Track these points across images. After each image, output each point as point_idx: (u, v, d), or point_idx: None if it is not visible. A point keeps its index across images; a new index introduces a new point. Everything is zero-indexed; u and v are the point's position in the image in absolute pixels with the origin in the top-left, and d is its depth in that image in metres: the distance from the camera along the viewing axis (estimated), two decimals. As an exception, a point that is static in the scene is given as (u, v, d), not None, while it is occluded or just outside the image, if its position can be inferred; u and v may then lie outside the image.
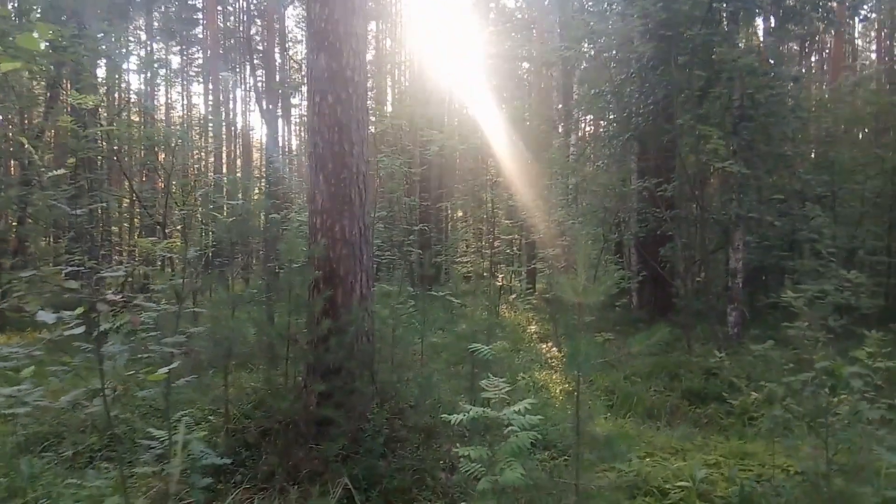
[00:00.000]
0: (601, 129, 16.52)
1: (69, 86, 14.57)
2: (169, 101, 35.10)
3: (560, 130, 21.93)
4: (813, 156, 14.86)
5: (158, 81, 31.16)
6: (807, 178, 11.78)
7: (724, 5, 11.36)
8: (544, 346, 11.99)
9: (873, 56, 31.91)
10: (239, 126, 34.14)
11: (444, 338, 8.90)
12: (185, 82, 35.77)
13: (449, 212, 27.60)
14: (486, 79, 30.55)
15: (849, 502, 4.16)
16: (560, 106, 22.94)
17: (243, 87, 37.20)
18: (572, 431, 3.38)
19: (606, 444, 3.24)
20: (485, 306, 6.12)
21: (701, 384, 9.63)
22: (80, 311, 3.18)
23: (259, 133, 35.32)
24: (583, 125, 26.40)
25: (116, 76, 21.36)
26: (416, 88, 26.51)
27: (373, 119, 33.58)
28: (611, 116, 12.72)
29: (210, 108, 31.44)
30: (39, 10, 14.71)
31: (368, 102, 31.40)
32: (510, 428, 2.51)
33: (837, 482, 4.32)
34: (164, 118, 33.08)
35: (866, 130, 17.90)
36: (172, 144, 10.03)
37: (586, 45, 13.78)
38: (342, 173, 5.40)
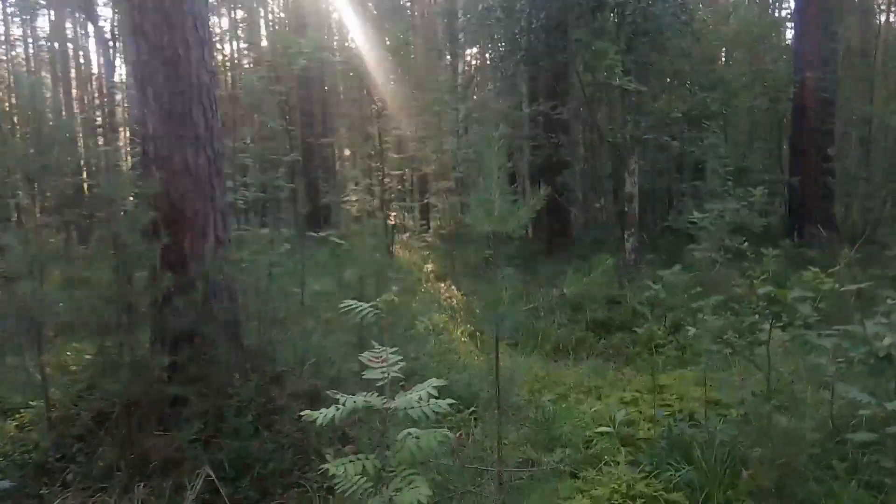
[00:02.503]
0: (489, 53, 15.62)
1: None
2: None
3: (447, 59, 20.89)
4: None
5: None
6: (703, 95, 11.45)
7: None
8: (442, 285, 11.28)
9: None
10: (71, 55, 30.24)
11: (330, 286, 7.96)
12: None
13: (336, 151, 26.13)
14: (365, 7, 28.75)
15: (792, 443, 3.68)
16: (444, 36, 21.84)
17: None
18: (491, 404, 2.59)
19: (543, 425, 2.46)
20: (373, 247, 5.21)
21: (605, 314, 9.24)
22: None
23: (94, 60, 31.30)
24: (469, 56, 25.47)
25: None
26: (291, 18, 24.50)
27: (246, 52, 31.09)
28: (500, 33, 11.82)
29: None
30: None
31: (238, 35, 28.80)
32: (406, 431, 1.64)
33: (780, 420, 3.84)
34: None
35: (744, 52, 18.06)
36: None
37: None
38: (177, 86, 4.23)
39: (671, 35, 10.54)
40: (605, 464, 4.20)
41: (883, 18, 21.60)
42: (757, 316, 4.06)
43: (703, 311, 7.71)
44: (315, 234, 5.88)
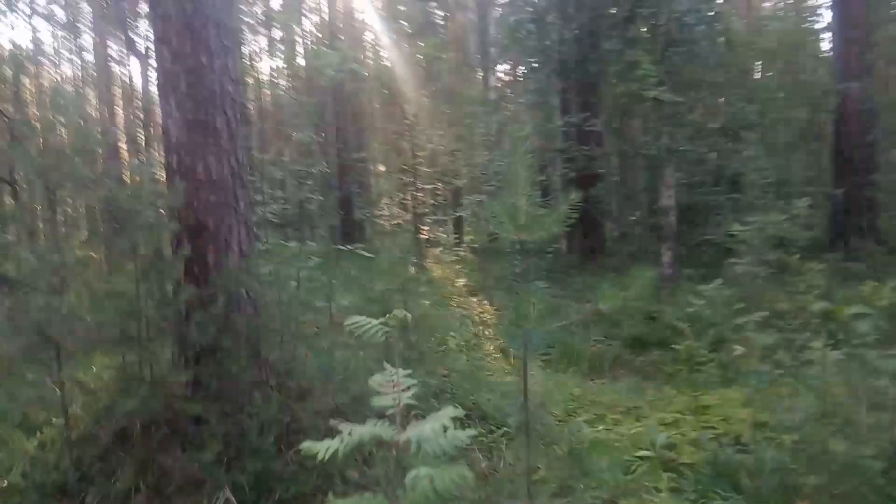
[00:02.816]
0: (521, 67, 15.47)
1: None
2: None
3: (479, 73, 20.82)
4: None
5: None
6: (740, 105, 11.11)
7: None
8: (474, 300, 11.08)
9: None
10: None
11: (358, 300, 7.83)
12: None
13: (371, 166, 26.20)
14: (398, 24, 28.89)
15: (852, 471, 3.39)
16: (476, 51, 21.79)
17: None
18: (520, 430, 2.40)
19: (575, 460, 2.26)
20: (400, 260, 5.05)
21: (642, 330, 8.92)
22: None
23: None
24: (501, 72, 25.42)
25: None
26: (326, 35, 24.70)
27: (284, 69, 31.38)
28: (531, 46, 11.65)
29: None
30: None
31: (278, 56, 29.03)
32: (418, 470, 1.45)
33: (838, 446, 3.55)
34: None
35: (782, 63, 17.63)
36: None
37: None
38: (200, 95, 4.14)
39: (706, 45, 10.26)
40: (645, 492, 3.94)
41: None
42: (808, 333, 3.77)
43: (746, 327, 7.43)
44: (343, 248, 5.73)
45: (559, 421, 5.46)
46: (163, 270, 3.81)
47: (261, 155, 10.13)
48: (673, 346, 8.16)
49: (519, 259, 2.79)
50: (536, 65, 12.53)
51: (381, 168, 23.88)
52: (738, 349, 4.75)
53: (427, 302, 10.86)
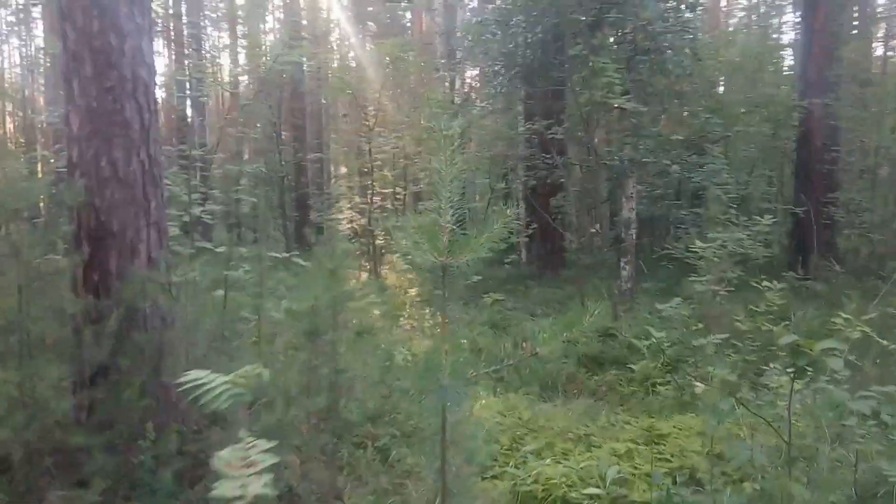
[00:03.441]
0: (485, 69, 15.12)
1: None
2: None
3: (445, 77, 20.42)
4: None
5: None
6: (707, 116, 10.92)
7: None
8: (427, 311, 10.64)
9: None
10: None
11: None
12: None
13: (332, 167, 25.60)
14: (364, 25, 28.44)
15: (817, 521, 3.07)
16: (443, 54, 21.42)
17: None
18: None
19: None
20: (338, 269, 4.60)
21: (597, 348, 8.61)
22: None
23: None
24: (468, 77, 25.09)
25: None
26: (291, 32, 24.08)
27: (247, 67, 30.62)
28: (495, 48, 11.31)
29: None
30: None
31: (239, 54, 28.23)
32: None
33: (801, 491, 3.22)
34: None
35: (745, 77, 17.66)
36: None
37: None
38: (107, 80, 3.65)
39: (672, 55, 10.03)
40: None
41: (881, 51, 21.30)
42: (772, 365, 3.45)
43: (704, 350, 7.14)
44: (278, 256, 5.26)
45: (506, 450, 5.08)
46: (49, 278, 3.30)
47: (202, 152, 9.58)
48: (629, 365, 7.88)
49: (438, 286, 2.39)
50: (500, 69, 12.19)
51: (342, 170, 23.33)
52: (698, 385, 4.41)
53: (377, 312, 10.46)
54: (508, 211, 2.67)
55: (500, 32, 11.07)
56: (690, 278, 8.41)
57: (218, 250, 5.41)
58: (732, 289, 8.88)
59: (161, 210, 3.94)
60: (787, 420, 3.37)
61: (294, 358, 4.06)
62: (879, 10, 20.44)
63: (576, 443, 5.40)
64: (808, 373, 3.29)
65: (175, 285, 3.83)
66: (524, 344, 2.27)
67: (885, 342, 3.39)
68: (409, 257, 1.98)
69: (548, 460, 4.80)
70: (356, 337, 4.86)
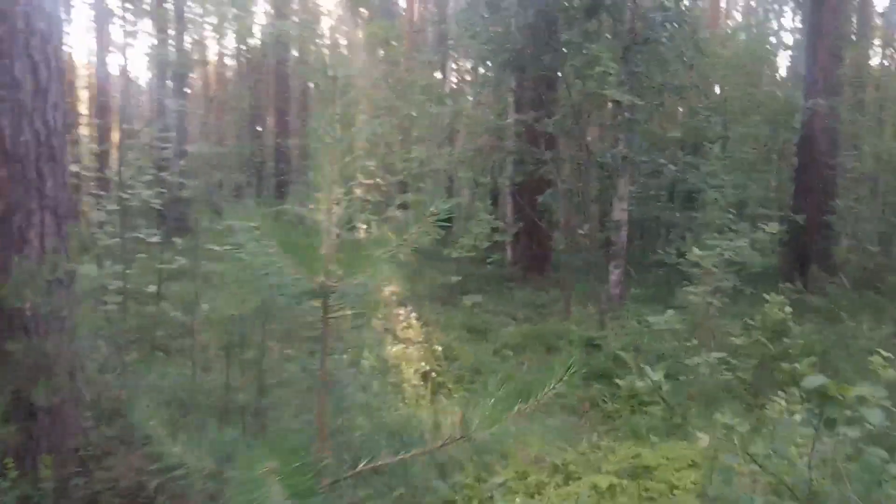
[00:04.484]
0: (476, 59, 14.41)
1: None
2: None
3: (435, 65, 19.72)
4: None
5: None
6: (705, 114, 10.27)
7: None
8: (402, 311, 9.93)
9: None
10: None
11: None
12: None
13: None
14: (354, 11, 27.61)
15: None
16: (435, 43, 20.70)
17: None
18: None
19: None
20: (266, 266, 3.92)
21: (581, 358, 7.96)
22: None
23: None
24: (460, 67, 24.41)
25: None
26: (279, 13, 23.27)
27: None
28: (485, 34, 10.58)
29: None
30: None
31: (226, 35, 27.61)
32: None
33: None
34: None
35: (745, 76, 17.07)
36: None
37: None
38: (-9, 27, 2.93)
39: (671, 46, 9.36)
40: None
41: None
42: (798, 417, 2.79)
43: (698, 369, 6.50)
44: (212, 246, 4.54)
45: (469, 483, 4.41)
46: None
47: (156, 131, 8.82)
48: (615, 379, 7.22)
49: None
50: (489, 55, 11.46)
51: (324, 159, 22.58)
52: (701, 437, 3.77)
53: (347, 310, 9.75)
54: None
55: (489, 15, 10.35)
56: (683, 287, 7.76)
57: (151, 241, 4.70)
58: (727, 300, 8.27)
59: (60, 191, 3.23)
60: (807, 480, 2.71)
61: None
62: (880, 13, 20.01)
63: (552, 474, 4.74)
64: (836, 423, 2.63)
65: (69, 280, 3.12)
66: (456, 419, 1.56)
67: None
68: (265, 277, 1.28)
69: (518, 498, 4.13)
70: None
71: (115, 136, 30.72)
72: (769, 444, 3.06)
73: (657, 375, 2.91)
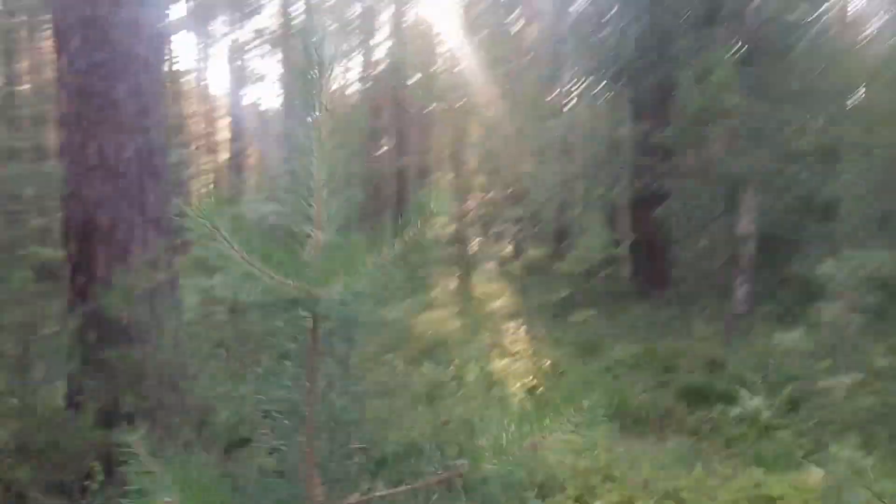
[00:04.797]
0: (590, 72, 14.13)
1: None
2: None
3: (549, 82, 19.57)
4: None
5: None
6: (842, 119, 9.43)
7: None
8: (511, 325, 9.81)
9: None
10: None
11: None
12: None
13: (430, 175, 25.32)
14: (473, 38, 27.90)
15: None
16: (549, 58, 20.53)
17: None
18: None
19: None
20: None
21: (703, 378, 7.46)
22: None
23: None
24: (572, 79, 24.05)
25: None
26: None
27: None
28: (600, 46, 10.33)
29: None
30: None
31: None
32: None
33: None
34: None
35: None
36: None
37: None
38: (99, 54, 3.16)
39: (797, 53, 8.70)
40: None
41: None
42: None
43: (832, 392, 5.94)
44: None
45: (570, 504, 4.21)
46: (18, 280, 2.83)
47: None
48: (738, 402, 6.71)
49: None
50: (604, 66, 11.19)
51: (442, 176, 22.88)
52: (816, 470, 3.42)
53: (458, 324, 9.75)
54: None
55: (604, 30, 10.10)
56: (818, 304, 7.13)
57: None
58: (871, 317, 7.50)
59: (161, 205, 3.41)
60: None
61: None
62: None
63: (661, 500, 4.43)
64: None
65: (169, 291, 3.28)
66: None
67: None
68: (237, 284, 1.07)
69: (620, 524, 3.90)
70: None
71: (250, 160, 32.77)
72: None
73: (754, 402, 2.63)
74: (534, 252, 18.00)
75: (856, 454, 5.26)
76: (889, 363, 6.40)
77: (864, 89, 13.88)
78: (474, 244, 14.96)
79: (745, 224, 10.07)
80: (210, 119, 31.85)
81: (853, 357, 6.77)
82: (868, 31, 21.42)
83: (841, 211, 11.64)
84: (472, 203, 16.36)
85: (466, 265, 14.25)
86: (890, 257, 7.09)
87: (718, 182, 10.66)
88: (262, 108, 33.46)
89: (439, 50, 26.94)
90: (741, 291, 9.78)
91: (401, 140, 22.06)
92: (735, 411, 6.52)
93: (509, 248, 17.67)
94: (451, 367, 7.48)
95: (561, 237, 16.64)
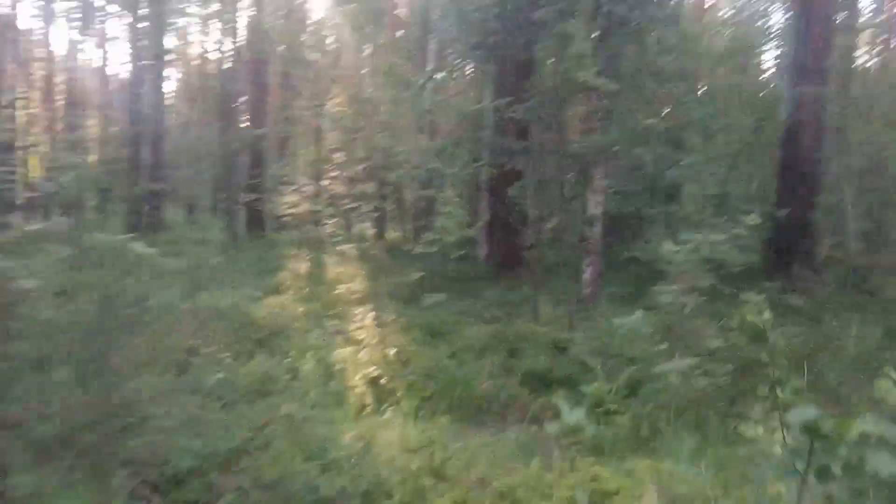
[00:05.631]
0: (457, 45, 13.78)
1: None
2: None
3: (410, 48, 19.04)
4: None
5: None
6: (689, 101, 9.69)
7: None
8: (360, 310, 9.25)
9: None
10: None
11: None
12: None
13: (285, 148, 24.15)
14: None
15: None
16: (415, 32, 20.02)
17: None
18: None
19: None
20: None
21: (547, 364, 7.35)
22: None
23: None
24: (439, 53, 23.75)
25: None
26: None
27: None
28: (463, 12, 9.93)
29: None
30: None
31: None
32: None
33: None
34: None
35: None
36: None
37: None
38: None
39: (651, 28, 8.77)
40: None
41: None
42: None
43: (668, 378, 5.94)
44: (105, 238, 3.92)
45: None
46: None
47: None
48: (580, 388, 6.64)
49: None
50: (466, 37, 10.83)
51: (297, 151, 21.85)
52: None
53: (300, 310, 9.11)
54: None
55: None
56: (656, 286, 7.20)
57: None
58: (705, 299, 7.70)
59: None
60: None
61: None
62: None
63: (495, 502, 4.14)
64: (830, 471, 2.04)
65: None
66: None
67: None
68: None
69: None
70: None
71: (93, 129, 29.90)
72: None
73: (575, 416, 2.32)
74: (393, 233, 17.55)
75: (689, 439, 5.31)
76: (718, 345, 6.55)
77: (709, 74, 14.58)
78: (330, 224, 14.28)
79: (593, 205, 10.15)
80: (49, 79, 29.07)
81: (688, 340, 6.89)
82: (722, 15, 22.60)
83: (683, 193, 12.11)
84: (329, 180, 15.60)
85: (319, 246, 13.56)
86: (725, 239, 7.25)
87: (572, 161, 10.67)
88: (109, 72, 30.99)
89: (303, 19, 25.73)
90: (587, 274, 9.87)
91: (257, 112, 20.84)
92: (575, 397, 6.44)
93: (368, 229, 17.12)
94: (288, 359, 6.91)
95: (421, 217, 16.31)
